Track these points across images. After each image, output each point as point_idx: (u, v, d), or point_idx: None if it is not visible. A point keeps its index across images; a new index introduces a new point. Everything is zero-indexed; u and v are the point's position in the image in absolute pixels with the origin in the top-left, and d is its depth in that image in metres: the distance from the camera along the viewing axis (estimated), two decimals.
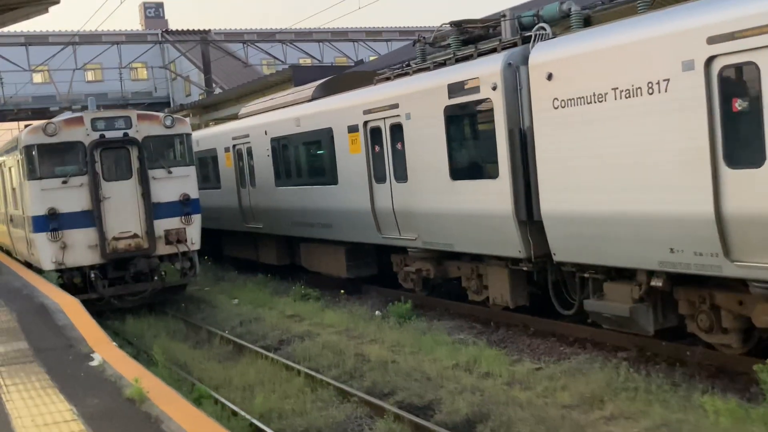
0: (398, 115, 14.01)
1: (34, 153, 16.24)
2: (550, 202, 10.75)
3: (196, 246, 17.53)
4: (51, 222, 16.17)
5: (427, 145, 13.24)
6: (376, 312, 14.88)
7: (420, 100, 13.35)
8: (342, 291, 17.00)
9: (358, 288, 17.69)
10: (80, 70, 43.29)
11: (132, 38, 48.71)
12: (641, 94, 9.19)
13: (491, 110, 11.66)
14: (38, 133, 16.27)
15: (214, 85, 42.19)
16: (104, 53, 41.66)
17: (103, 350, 9.27)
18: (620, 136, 9.53)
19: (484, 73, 11.73)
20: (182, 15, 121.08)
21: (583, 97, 9.99)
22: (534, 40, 11.38)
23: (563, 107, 10.31)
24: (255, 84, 30.99)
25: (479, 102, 11.96)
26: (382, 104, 14.49)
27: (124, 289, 16.74)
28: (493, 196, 11.80)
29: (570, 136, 10.25)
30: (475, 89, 11.94)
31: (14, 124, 50.57)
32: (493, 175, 11.77)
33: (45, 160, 16.30)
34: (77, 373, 8.32)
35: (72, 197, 16.32)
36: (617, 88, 9.50)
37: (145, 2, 58.91)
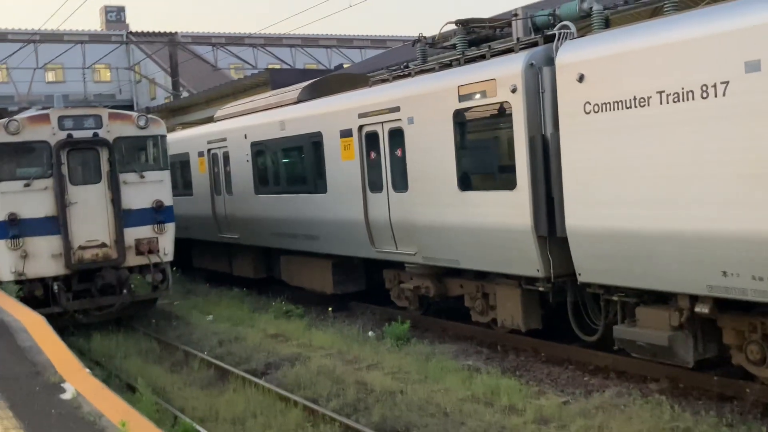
0: (399, 119, 12.91)
1: None
2: (577, 216, 9.73)
3: (169, 257, 16.20)
4: (11, 228, 14.72)
5: (433, 152, 12.16)
6: (369, 332, 13.73)
7: (425, 103, 12.28)
8: (330, 309, 15.79)
9: (345, 305, 16.53)
10: (40, 70, 41.53)
11: (96, 38, 46.90)
12: (692, 99, 8.22)
13: (509, 115, 10.63)
14: None
15: (181, 89, 40.73)
16: (66, 53, 39.98)
17: (76, 379, 7.99)
18: (666, 144, 8.55)
19: (502, 74, 10.70)
20: (144, 19, 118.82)
21: (621, 101, 8.99)
22: (558, 39, 10.39)
23: (596, 112, 9.30)
24: (228, 87, 29.70)
25: (495, 106, 10.92)
26: (380, 107, 13.39)
27: (90, 302, 15.33)
28: (509, 208, 10.75)
29: (604, 144, 9.24)
30: (491, 92, 10.90)
31: None
32: (510, 185, 10.72)
33: (6, 160, 14.84)
34: (47, 409, 7.04)
35: (35, 202, 14.90)
36: (663, 92, 8.52)
37: (107, 6, 57.13)
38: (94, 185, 15.39)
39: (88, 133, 15.32)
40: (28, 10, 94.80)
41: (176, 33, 45.39)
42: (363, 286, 16.17)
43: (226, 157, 19.41)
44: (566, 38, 10.39)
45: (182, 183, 21.99)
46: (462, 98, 11.45)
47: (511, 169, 10.70)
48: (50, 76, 50.57)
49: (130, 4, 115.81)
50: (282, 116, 16.78)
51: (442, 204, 12.09)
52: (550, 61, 10.34)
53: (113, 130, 15.55)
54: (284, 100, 17.35)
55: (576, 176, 9.66)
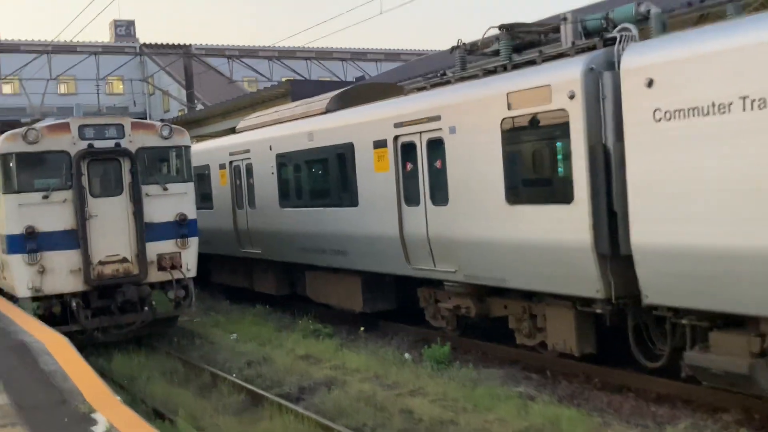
0: (439, 129, 12.22)
1: (11, 163, 14.13)
2: (644, 233, 8.99)
3: (192, 273, 15.50)
4: (28, 242, 14.04)
5: (477, 163, 11.46)
6: (406, 354, 12.98)
7: (469, 111, 11.59)
8: (362, 329, 15.04)
9: (374, 324, 15.78)
10: (53, 82, 41.09)
11: (109, 50, 46.51)
12: None
13: (566, 123, 9.92)
14: (17, 141, 14.18)
15: (196, 101, 40.21)
16: (79, 65, 39.55)
17: (107, 408, 7.28)
18: (748, 155, 7.83)
19: (559, 79, 10.00)
20: (154, 34, 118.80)
21: (697, 108, 8.28)
22: (620, 42, 9.70)
23: (668, 119, 8.59)
24: (246, 99, 29.11)
25: (550, 113, 10.21)
26: (418, 116, 12.71)
27: (110, 320, 14.61)
28: (566, 224, 10.02)
29: (677, 155, 8.52)
30: (545, 99, 10.20)
31: None
32: (566, 199, 9.99)
33: (24, 171, 14.19)
34: None
35: (53, 214, 14.22)
36: (747, 97, 7.81)
37: (116, 20, 56.82)
38: (116, 197, 14.72)
39: (109, 143, 14.66)
40: (39, 24, 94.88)
41: (190, 45, 44.90)
42: (394, 304, 15.44)
43: (249, 169, 18.75)
44: (627, 41, 9.71)
45: (201, 196, 21.30)
46: (511, 106, 10.76)
47: (567, 181, 9.98)
48: (62, 88, 50.19)
49: (139, 18, 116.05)
50: (310, 127, 16.12)
51: (487, 218, 11.37)
52: (611, 66, 9.66)
53: (136, 140, 14.90)
54: (311, 110, 16.70)
55: (643, 189, 8.93)
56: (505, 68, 11.53)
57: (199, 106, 39.89)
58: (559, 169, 10.21)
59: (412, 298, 14.47)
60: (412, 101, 13.11)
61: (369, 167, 14.10)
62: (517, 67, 11.29)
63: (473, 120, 11.49)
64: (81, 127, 14.49)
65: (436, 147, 12.45)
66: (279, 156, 17.30)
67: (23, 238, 14.00)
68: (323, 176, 15.90)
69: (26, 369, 8.62)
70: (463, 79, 12.37)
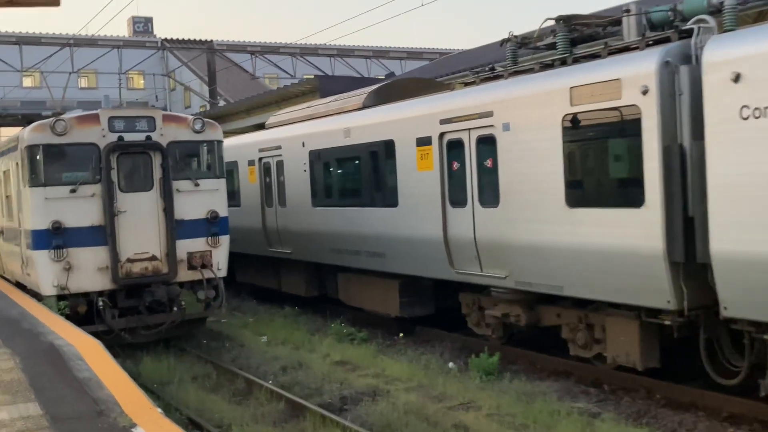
0: (491, 125, 11.54)
1: (38, 155, 13.56)
2: (726, 240, 8.28)
3: (223, 272, 14.89)
4: (54, 238, 13.47)
5: (534, 162, 10.77)
6: (450, 364, 12.30)
7: (525, 107, 10.90)
8: (401, 334, 14.39)
9: (410, 329, 15.12)
10: (74, 75, 40.69)
11: (130, 44, 46.03)
12: None
13: (637, 120, 9.22)
14: (45, 131, 13.61)
15: (218, 97, 39.65)
16: (99, 60, 39.12)
17: (147, 421, 6.66)
18: None
19: (630, 73, 9.30)
20: (171, 31, 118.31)
21: None
22: (698, 35, 9.00)
23: (757, 117, 7.89)
24: (271, 95, 28.47)
25: (619, 110, 9.52)
26: (467, 112, 12.03)
27: (138, 320, 14.03)
28: (635, 229, 9.31)
29: None
30: (614, 94, 9.50)
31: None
32: (636, 202, 9.29)
33: (51, 163, 13.61)
34: None
35: (81, 209, 13.64)
36: None
37: (134, 16, 56.32)
38: (145, 193, 14.13)
39: (140, 136, 14.07)
40: (60, 19, 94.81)
41: (212, 41, 44.39)
42: (432, 309, 14.78)
43: (279, 166, 18.13)
44: (705, 34, 9.01)
45: (228, 193, 20.67)
46: (574, 101, 10.07)
47: (637, 183, 9.28)
48: (83, 82, 49.79)
49: (157, 15, 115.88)
50: (346, 123, 15.47)
51: (544, 222, 10.68)
52: (687, 59, 8.97)
53: (167, 133, 14.30)
54: (348, 105, 16.06)
55: (727, 192, 8.23)
56: (564, 62, 10.85)
57: (221, 103, 39.34)
58: (628, 170, 9.51)
59: (452, 304, 13.84)
60: (460, 96, 12.44)
61: (411, 166, 13.44)
62: (578, 60, 10.61)
63: (530, 116, 10.80)
64: (111, 119, 13.91)
65: (486, 145, 11.78)
66: (312, 153, 16.67)
67: (49, 233, 13.43)
68: (360, 175, 15.24)
69: (59, 375, 8.00)
70: (517, 73, 11.69)
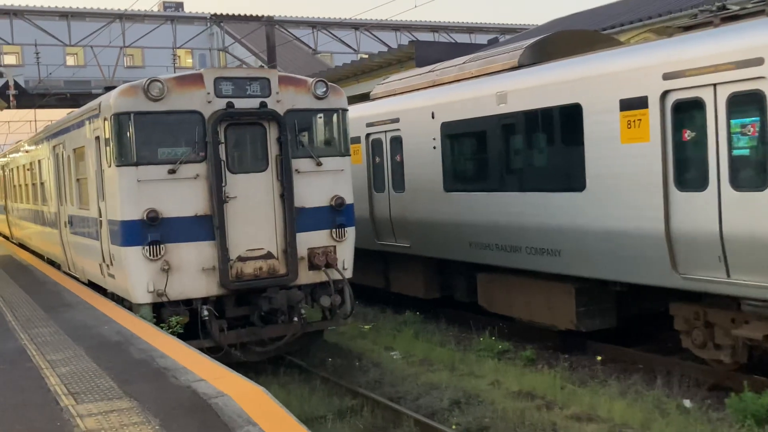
0: (760, 77, 8.38)
1: (129, 125, 10.60)
2: None
3: (349, 273, 11.94)
4: (150, 231, 10.54)
5: None
6: (686, 402, 9.19)
7: None
8: (599, 357, 11.29)
9: (579, 346, 12.07)
10: (120, 53, 38.07)
11: (181, 20, 43.19)
12: None
13: None
14: (137, 96, 10.63)
15: None
16: (146, 36, 36.42)
17: None
18: None
19: None
20: (219, 7, 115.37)
21: None
22: None
23: None
24: (358, 65, 25.40)
25: None
26: (712, 62, 8.88)
27: (253, 334, 11.11)
28: None
29: None
30: None
31: (32, 113, 44.75)
32: None
33: (145, 136, 10.65)
34: None
35: (182, 194, 10.69)
36: None
37: (165, 0, 53.40)
38: (259, 174, 11.15)
39: (253, 103, 11.06)
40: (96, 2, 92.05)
41: (272, 16, 41.42)
42: (614, 321, 11.70)
43: (395, 143, 15.09)
44: None
45: None
46: None
47: None
48: (128, 61, 47.13)
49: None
50: (499, 86, 12.36)
51: None
52: None
53: (285, 99, 11.30)
54: (496, 65, 12.95)
55: None
56: None
57: None
58: None
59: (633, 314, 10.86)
60: (696, 42, 9.27)
61: (610, 137, 10.30)
62: None
63: None
64: (217, 80, 10.92)
65: (745, 106, 8.62)
66: (446, 125, 13.59)
67: (144, 225, 10.50)
68: (523, 151, 12.13)
69: None
70: None
